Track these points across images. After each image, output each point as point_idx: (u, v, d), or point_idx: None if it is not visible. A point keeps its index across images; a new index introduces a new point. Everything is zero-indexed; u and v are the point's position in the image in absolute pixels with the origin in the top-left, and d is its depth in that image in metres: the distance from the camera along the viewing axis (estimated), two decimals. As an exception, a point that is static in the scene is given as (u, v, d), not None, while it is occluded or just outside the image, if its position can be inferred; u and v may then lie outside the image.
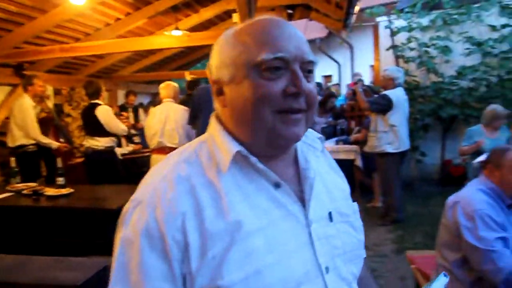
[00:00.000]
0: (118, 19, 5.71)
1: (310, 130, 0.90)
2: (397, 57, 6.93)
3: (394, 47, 6.94)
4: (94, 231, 3.04)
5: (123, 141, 6.15)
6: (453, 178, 6.29)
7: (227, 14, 6.76)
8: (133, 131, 6.41)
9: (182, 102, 4.87)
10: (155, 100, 7.17)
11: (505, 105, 5.49)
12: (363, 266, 0.94)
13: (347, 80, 11.93)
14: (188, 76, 6.78)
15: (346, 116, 6.83)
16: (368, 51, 9.51)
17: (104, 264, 2.04)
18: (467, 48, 6.47)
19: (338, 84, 11.50)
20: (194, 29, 6.58)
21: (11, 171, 4.11)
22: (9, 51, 5.07)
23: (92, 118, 4.68)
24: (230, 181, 0.78)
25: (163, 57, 8.28)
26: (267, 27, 0.80)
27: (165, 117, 4.55)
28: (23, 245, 3.07)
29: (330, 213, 0.86)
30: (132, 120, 7.09)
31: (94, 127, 4.71)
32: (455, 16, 6.60)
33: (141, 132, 6.11)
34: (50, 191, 3.53)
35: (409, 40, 6.78)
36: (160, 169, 0.83)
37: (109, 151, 4.80)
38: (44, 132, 4.95)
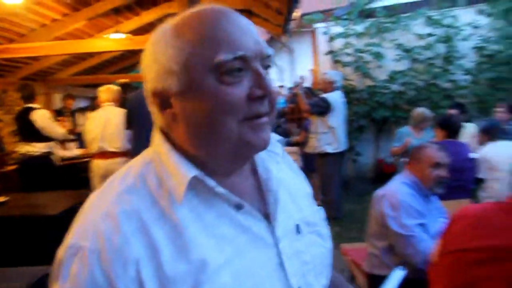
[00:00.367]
0: (55, 20, 5.54)
1: None
2: (334, 62, 7.26)
3: (331, 52, 7.26)
4: (33, 239, 2.95)
5: (70, 145, 5.96)
6: (386, 175, 6.65)
7: (170, 17, 6.76)
8: (71, 136, 6.22)
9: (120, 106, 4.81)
10: (94, 104, 7.00)
11: (431, 107, 5.94)
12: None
13: (288, 83, 12.24)
14: (119, 81, 6.65)
15: (287, 119, 7.07)
16: (308, 55, 9.84)
17: (43, 272, 2.01)
18: (398, 54, 6.92)
19: (282, 86, 11.78)
20: (135, 32, 6.52)
21: None
22: None
23: (27, 122, 4.51)
24: (187, 211, 0.67)
25: (102, 60, 8.09)
26: (216, 19, 0.67)
27: (105, 121, 4.46)
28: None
29: (297, 226, 0.79)
30: (70, 125, 6.86)
31: (29, 132, 4.54)
32: (387, 25, 7.03)
33: (78, 137, 5.94)
34: (-17, 199, 3.38)
35: (345, 46, 7.13)
36: (100, 203, 0.68)
37: (45, 156, 4.65)
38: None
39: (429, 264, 1.73)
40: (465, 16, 6.65)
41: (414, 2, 6.96)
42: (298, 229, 0.78)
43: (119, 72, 9.12)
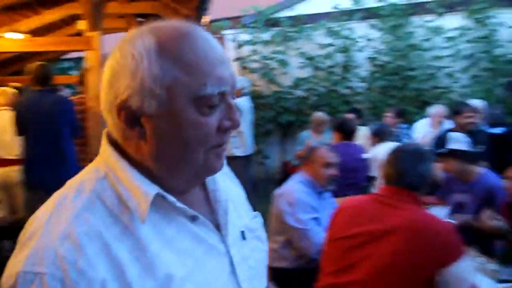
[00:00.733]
0: None
1: None
2: (242, 68, 7.51)
3: (239, 59, 7.50)
4: None
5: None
6: (293, 177, 7.07)
7: (73, 19, 6.49)
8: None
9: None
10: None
11: (331, 112, 6.43)
12: None
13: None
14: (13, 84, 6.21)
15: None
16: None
17: None
18: (301, 62, 7.36)
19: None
20: (35, 32, 6.15)
21: None
22: None
23: None
24: (149, 228, 0.66)
25: (-3, 61, 7.50)
26: (200, 45, 0.66)
27: (1, 128, 4.17)
28: None
29: (242, 232, 0.81)
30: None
31: None
32: (292, 34, 7.44)
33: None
34: None
35: (252, 53, 7.42)
36: (54, 225, 0.63)
37: None
38: None
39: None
40: (360, 29, 7.28)
41: (316, 14, 7.45)
42: (243, 235, 0.81)
43: (17, 74, 8.49)
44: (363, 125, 5.28)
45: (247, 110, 5.34)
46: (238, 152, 5.26)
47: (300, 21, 7.39)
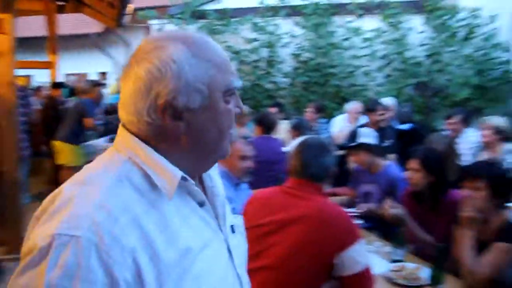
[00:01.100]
0: None
1: None
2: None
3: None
4: None
5: None
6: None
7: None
8: None
9: None
10: None
11: (255, 106, 6.57)
12: None
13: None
14: None
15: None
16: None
17: None
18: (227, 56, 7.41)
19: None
20: None
21: None
22: None
23: None
24: (171, 205, 0.75)
25: None
26: (217, 48, 0.80)
27: None
28: None
29: (232, 226, 0.91)
30: None
31: None
32: (218, 27, 7.47)
33: None
34: None
35: (179, 44, 7.33)
36: (87, 196, 0.70)
37: None
38: None
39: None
40: (285, 25, 7.50)
41: (242, 8, 7.55)
42: (232, 229, 0.91)
43: None
44: (285, 119, 5.47)
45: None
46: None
47: (227, 15, 7.44)
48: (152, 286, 0.68)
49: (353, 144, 3.51)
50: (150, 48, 0.76)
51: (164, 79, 0.73)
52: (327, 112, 6.13)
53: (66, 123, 5.38)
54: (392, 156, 4.33)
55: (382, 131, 4.60)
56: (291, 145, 4.31)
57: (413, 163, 2.69)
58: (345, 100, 6.21)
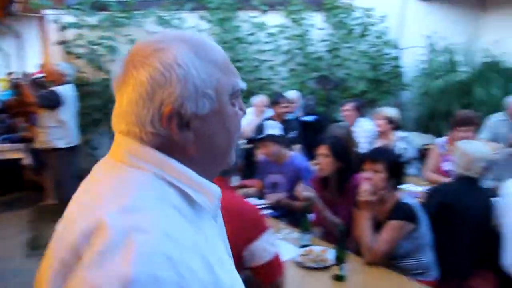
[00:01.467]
0: None
1: None
2: (67, 53, 6.94)
3: (63, 42, 6.91)
4: None
5: None
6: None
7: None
8: None
9: None
10: None
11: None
12: None
13: (17, 71, 10.95)
14: None
15: (12, 113, 6.37)
16: (38, 43, 9.05)
17: None
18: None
19: (11, 74, 10.35)
20: None
21: None
22: None
23: None
24: (206, 220, 0.74)
25: None
26: (219, 49, 0.77)
27: None
28: None
29: None
30: None
31: None
32: (121, 19, 7.14)
33: None
34: None
35: (78, 37, 6.90)
36: (143, 224, 0.60)
37: None
38: None
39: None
40: (191, 19, 7.41)
41: (146, 0, 7.30)
42: None
43: None
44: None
45: (70, 99, 5.01)
46: (61, 144, 4.92)
47: (130, 7, 7.15)
48: None
49: (260, 136, 3.61)
50: (149, 51, 0.70)
51: (168, 84, 0.67)
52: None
53: None
54: (297, 146, 4.53)
55: (286, 123, 4.80)
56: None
57: (323, 149, 2.86)
58: (251, 93, 6.34)
